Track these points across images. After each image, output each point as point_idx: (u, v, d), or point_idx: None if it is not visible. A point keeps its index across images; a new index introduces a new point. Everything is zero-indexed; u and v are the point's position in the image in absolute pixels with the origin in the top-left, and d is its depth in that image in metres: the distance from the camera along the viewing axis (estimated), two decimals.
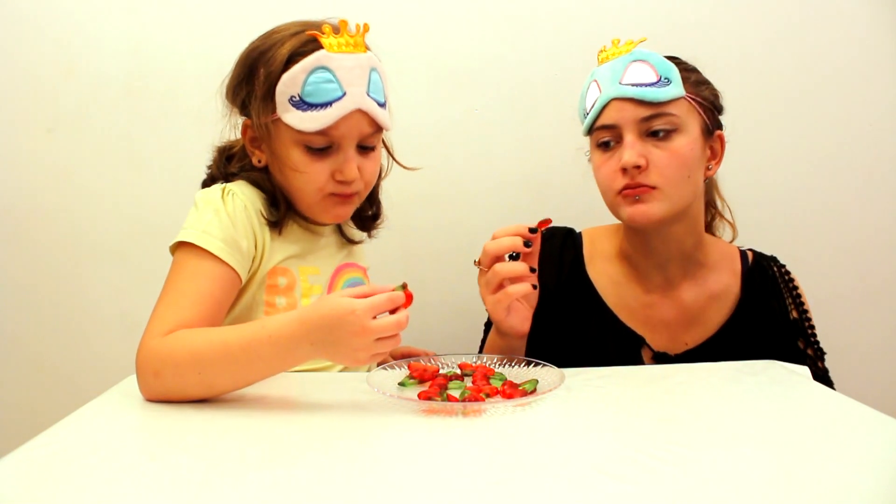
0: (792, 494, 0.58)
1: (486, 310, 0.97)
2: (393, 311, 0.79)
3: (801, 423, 0.76)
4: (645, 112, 1.00)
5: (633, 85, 1.00)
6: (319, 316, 0.78)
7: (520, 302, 0.98)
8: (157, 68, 1.41)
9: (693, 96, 1.02)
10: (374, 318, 0.77)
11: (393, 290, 0.79)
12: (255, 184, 0.99)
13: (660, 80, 1.00)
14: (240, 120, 1.01)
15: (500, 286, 0.93)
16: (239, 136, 1.02)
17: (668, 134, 1.00)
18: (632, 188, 1.00)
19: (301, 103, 0.91)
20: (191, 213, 0.94)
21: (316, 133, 0.92)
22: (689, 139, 1.01)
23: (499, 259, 0.94)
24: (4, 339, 1.45)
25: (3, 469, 0.63)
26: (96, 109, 1.41)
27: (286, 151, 0.94)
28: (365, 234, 1.12)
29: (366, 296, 0.78)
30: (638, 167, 0.99)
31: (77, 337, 1.45)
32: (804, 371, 0.98)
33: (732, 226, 1.19)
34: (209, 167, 1.06)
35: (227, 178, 1.02)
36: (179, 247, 0.91)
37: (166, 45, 1.40)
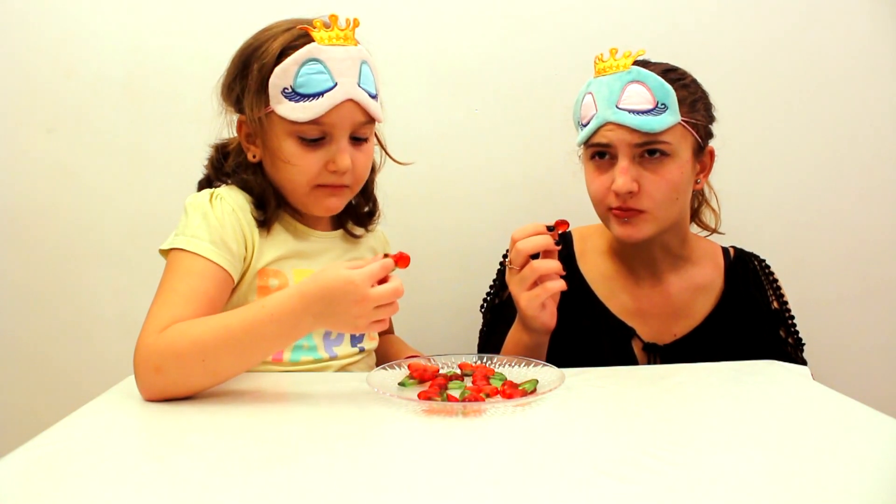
0: (792, 494, 0.58)
1: (519, 307, 0.98)
2: (384, 281, 0.82)
3: (801, 423, 0.76)
4: (640, 139, 1.02)
5: (629, 111, 1.01)
6: (319, 288, 0.81)
7: (550, 297, 1.00)
8: (157, 68, 1.41)
9: (687, 120, 1.04)
10: (372, 286, 0.80)
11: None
12: (244, 187, 1.00)
13: (656, 106, 1.01)
14: (234, 117, 1.02)
15: (535, 283, 0.96)
16: (234, 133, 1.03)
17: (660, 159, 1.03)
18: (622, 210, 1.04)
19: (293, 94, 0.93)
20: (181, 219, 0.96)
21: (309, 123, 0.94)
22: (679, 163, 1.04)
23: (530, 257, 0.96)
24: (4, 339, 1.45)
25: (3, 469, 0.63)
26: (96, 109, 1.41)
27: (279, 143, 0.96)
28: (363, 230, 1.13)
29: (359, 267, 0.81)
30: (630, 192, 1.02)
31: (77, 337, 1.45)
32: (804, 371, 0.98)
33: (716, 214, 1.22)
34: (206, 166, 1.06)
35: (222, 175, 1.03)
36: (171, 252, 0.93)
37: (166, 45, 1.40)
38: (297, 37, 0.94)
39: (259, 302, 0.85)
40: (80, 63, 1.40)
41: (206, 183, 1.05)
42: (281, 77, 0.93)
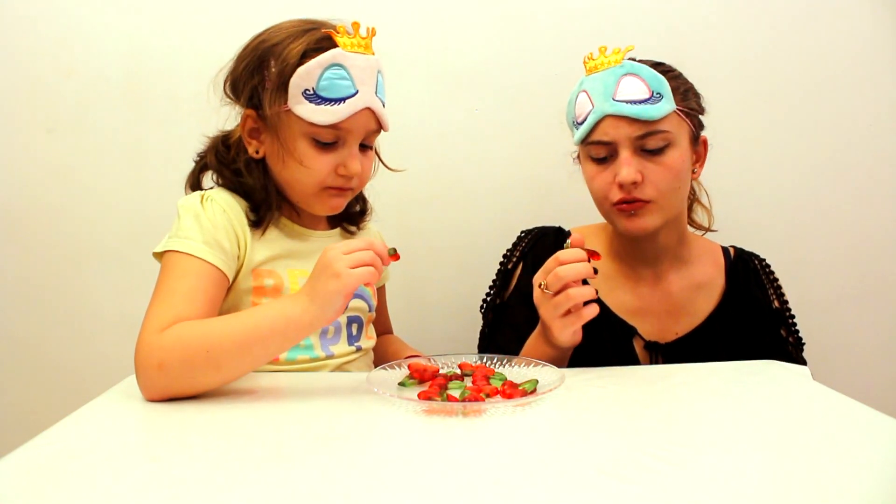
0: (792, 494, 0.58)
1: (551, 332, 0.95)
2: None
3: (801, 423, 0.76)
4: (639, 130, 1.02)
5: (626, 102, 1.01)
6: (309, 276, 0.86)
7: None
8: (157, 68, 1.41)
9: (682, 108, 1.04)
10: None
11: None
12: (234, 190, 1.01)
13: (652, 95, 1.01)
14: (236, 112, 1.02)
15: (569, 310, 0.94)
16: (232, 126, 1.03)
17: (661, 149, 1.03)
18: (628, 202, 1.03)
19: (315, 97, 0.94)
20: (174, 222, 0.97)
21: (327, 127, 0.95)
22: (680, 151, 1.04)
23: (568, 285, 0.93)
24: (5, 338, 1.45)
25: (3, 469, 0.63)
26: (96, 109, 1.41)
27: (293, 143, 0.96)
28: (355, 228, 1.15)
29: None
30: (634, 183, 1.02)
31: (77, 337, 1.45)
32: (804, 371, 0.98)
33: (708, 211, 1.22)
34: (201, 155, 1.06)
35: (225, 167, 1.02)
36: (165, 254, 0.94)
37: (166, 45, 1.40)
38: (319, 39, 0.95)
39: (262, 304, 0.87)
40: (80, 63, 1.40)
41: (198, 171, 1.05)
42: (304, 78, 0.93)
